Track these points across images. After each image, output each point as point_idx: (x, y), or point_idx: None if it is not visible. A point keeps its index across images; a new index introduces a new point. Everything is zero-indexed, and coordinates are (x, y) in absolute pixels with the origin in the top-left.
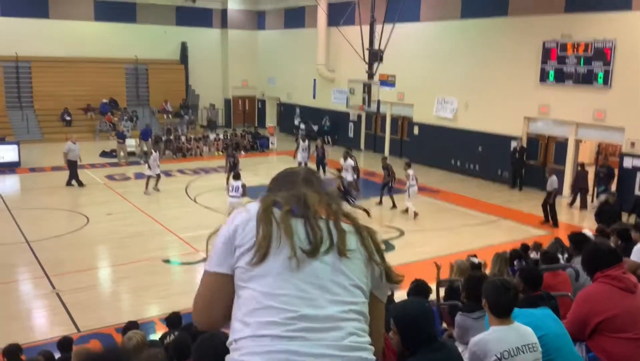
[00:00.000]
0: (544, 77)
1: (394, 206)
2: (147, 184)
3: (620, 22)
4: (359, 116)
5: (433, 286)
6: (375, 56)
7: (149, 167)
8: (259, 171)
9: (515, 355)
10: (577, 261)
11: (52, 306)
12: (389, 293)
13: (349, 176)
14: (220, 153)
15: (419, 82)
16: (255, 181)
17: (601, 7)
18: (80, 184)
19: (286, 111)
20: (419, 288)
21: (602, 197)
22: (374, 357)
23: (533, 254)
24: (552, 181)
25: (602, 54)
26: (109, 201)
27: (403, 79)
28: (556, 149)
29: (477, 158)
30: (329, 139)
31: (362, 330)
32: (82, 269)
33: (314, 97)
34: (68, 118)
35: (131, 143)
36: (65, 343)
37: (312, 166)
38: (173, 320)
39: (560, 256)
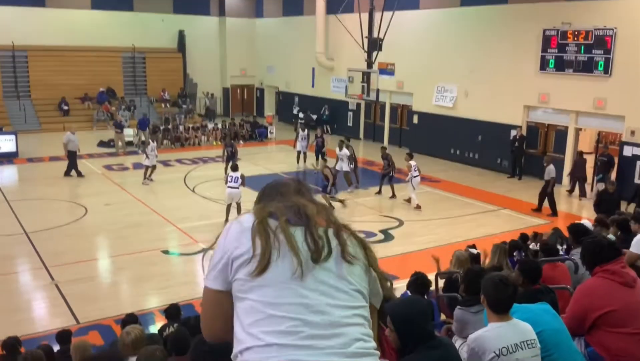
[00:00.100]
0: (544, 65)
1: (394, 195)
2: (145, 174)
3: (621, 10)
4: (358, 105)
5: (432, 276)
6: (375, 44)
7: (147, 157)
8: (258, 160)
9: (514, 352)
10: (576, 252)
11: (51, 298)
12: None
13: (344, 166)
14: (219, 143)
15: (419, 71)
16: (255, 170)
17: None
18: (80, 174)
19: (285, 100)
20: (419, 282)
21: (600, 186)
22: None
23: (532, 245)
24: (550, 170)
25: (603, 42)
26: (107, 192)
27: (402, 67)
28: (556, 138)
29: (477, 147)
30: (328, 128)
31: (367, 335)
32: (81, 260)
33: (313, 86)
34: (65, 108)
35: (129, 133)
36: (63, 336)
37: (311, 154)
38: (172, 312)
39: (559, 247)
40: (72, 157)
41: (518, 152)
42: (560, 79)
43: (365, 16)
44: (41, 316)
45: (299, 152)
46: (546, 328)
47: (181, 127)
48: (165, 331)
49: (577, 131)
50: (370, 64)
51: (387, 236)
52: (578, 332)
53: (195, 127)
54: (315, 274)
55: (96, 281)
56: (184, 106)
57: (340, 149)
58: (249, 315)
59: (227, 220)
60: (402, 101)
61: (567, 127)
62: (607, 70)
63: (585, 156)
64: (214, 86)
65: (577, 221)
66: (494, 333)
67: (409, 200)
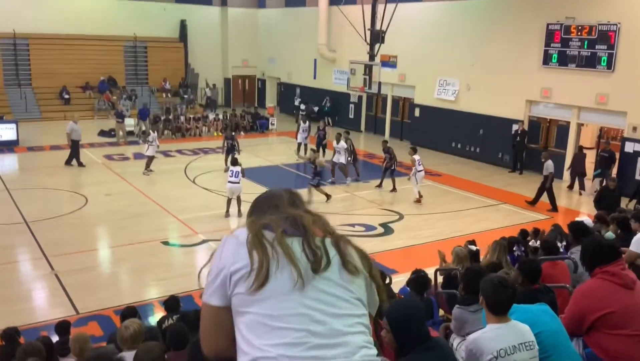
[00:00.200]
0: (547, 59)
1: (394, 189)
2: (147, 164)
3: (625, 6)
4: (360, 97)
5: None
6: (377, 37)
7: (149, 147)
8: (259, 152)
9: (512, 354)
10: (575, 250)
11: (51, 288)
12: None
13: (341, 159)
14: (219, 133)
15: (421, 64)
16: (255, 162)
17: None
18: (81, 164)
19: (286, 91)
20: (419, 280)
21: (597, 181)
22: None
23: (532, 242)
24: (548, 166)
25: (606, 38)
26: (108, 181)
27: (405, 60)
28: (558, 133)
29: (478, 141)
30: (330, 120)
31: (370, 342)
32: (81, 250)
33: (315, 77)
34: (66, 96)
35: (130, 123)
36: (62, 327)
37: (312, 146)
38: (171, 304)
39: (559, 244)
40: (75, 147)
41: (519, 146)
42: (563, 73)
43: (368, 8)
44: (41, 306)
45: (299, 144)
46: (544, 329)
47: (182, 118)
48: (164, 323)
49: (579, 126)
50: (372, 57)
51: (387, 229)
52: (576, 333)
53: (196, 118)
54: (316, 284)
55: (96, 271)
56: (185, 96)
57: (338, 141)
58: (253, 329)
59: (227, 213)
60: (404, 94)
61: (569, 123)
62: (610, 65)
63: (586, 151)
64: (215, 77)
65: (577, 219)
66: (492, 334)
67: (420, 198)
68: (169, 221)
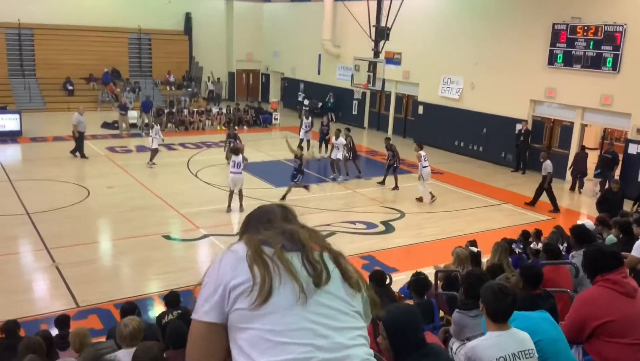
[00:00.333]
0: (552, 59)
1: (396, 186)
2: (151, 157)
3: (631, 7)
4: (364, 94)
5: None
6: (382, 34)
7: (153, 140)
8: (261, 147)
9: None
10: (576, 254)
11: (51, 280)
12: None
13: (339, 155)
14: (223, 127)
15: (425, 61)
16: (258, 157)
17: None
18: (83, 156)
19: (290, 86)
20: (419, 282)
21: (596, 182)
22: None
23: (533, 244)
24: (546, 165)
25: (612, 38)
26: (110, 174)
27: (409, 57)
28: (561, 133)
29: (481, 140)
30: (333, 116)
31: (371, 354)
32: (82, 243)
33: (319, 72)
34: (70, 87)
35: (133, 115)
36: (62, 321)
37: (315, 142)
38: (171, 299)
39: (560, 246)
40: (80, 138)
41: (523, 146)
42: (568, 74)
43: (373, 4)
44: (41, 298)
45: (301, 141)
46: (544, 337)
47: (185, 111)
48: (163, 319)
49: (583, 127)
50: (377, 53)
51: (388, 227)
52: (576, 340)
53: (199, 112)
54: (317, 298)
55: (97, 264)
56: (189, 89)
57: (337, 138)
58: (255, 345)
59: (229, 207)
60: (407, 91)
61: (572, 123)
62: (615, 67)
63: (588, 152)
64: (219, 70)
65: (579, 222)
66: (492, 342)
67: (432, 198)
68: (171, 215)
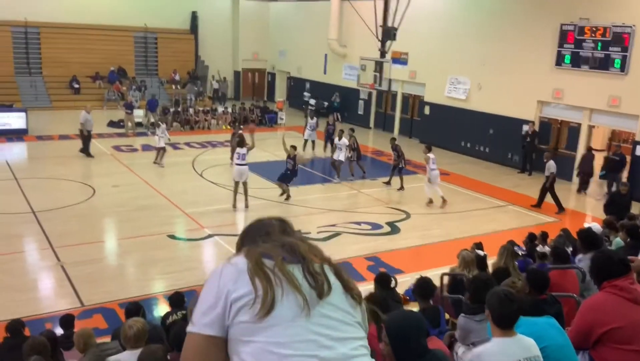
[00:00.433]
0: (559, 60)
1: (402, 187)
2: (157, 155)
3: (639, 8)
4: (370, 94)
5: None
6: (389, 34)
7: (159, 139)
8: (267, 146)
9: None
10: (583, 258)
11: (57, 279)
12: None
13: (340, 155)
14: (228, 127)
15: (432, 61)
16: (263, 157)
17: None
18: (89, 155)
19: (296, 86)
20: (424, 287)
21: (602, 183)
22: None
23: (540, 247)
24: (550, 166)
25: (620, 40)
26: (116, 173)
27: (416, 57)
28: (568, 134)
29: (488, 141)
30: (339, 116)
31: None
32: (87, 242)
33: (325, 72)
34: (76, 86)
35: (139, 114)
36: (67, 321)
37: (320, 142)
38: (175, 300)
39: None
40: (87, 137)
41: (529, 147)
42: (576, 75)
43: (380, 4)
44: (46, 297)
45: (306, 141)
46: (550, 343)
47: (191, 110)
48: (168, 319)
49: (590, 128)
50: (383, 53)
51: (394, 228)
52: (583, 347)
53: (205, 111)
54: (320, 309)
55: (102, 263)
56: (195, 88)
57: (340, 138)
58: (261, 358)
59: (234, 204)
60: (414, 91)
61: (580, 124)
62: (623, 68)
63: (595, 153)
64: (225, 69)
65: (586, 225)
66: (497, 348)
67: (444, 201)
68: (176, 215)
